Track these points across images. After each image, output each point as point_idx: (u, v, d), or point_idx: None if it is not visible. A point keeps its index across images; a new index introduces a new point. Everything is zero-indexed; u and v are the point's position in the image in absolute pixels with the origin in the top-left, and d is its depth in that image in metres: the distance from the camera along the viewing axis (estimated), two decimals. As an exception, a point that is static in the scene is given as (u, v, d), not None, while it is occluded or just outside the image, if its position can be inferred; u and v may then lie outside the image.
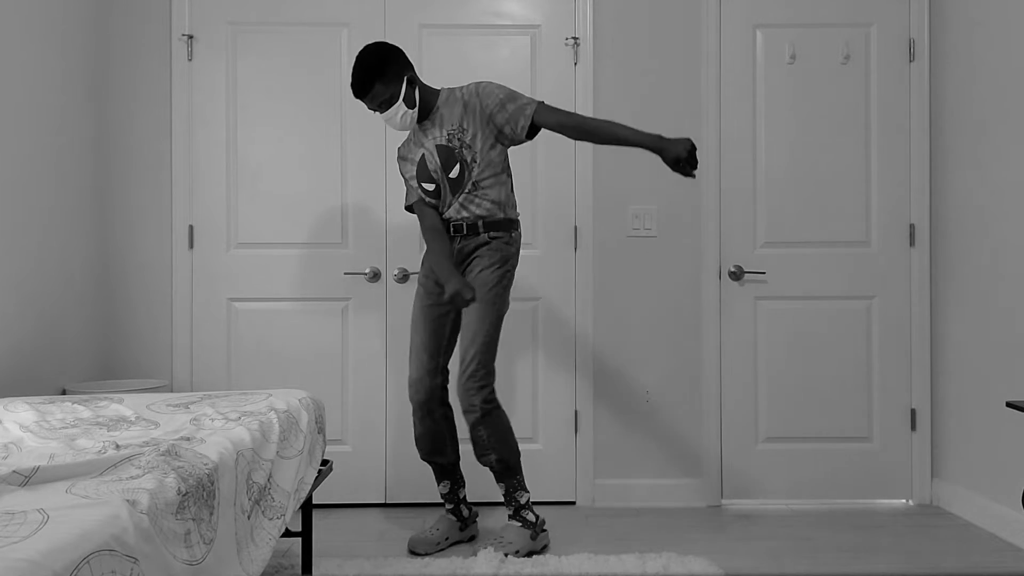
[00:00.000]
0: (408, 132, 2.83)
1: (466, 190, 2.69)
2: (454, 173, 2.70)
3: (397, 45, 2.73)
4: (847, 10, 3.36)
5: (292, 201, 3.32)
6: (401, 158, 2.83)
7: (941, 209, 3.30)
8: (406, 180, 2.82)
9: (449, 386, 2.82)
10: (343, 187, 3.33)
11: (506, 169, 2.74)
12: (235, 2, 3.32)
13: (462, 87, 2.73)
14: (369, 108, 2.68)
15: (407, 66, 2.67)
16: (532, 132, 2.68)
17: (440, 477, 2.84)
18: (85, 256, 3.17)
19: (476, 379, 2.64)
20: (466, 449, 3.22)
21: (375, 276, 3.31)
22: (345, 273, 3.32)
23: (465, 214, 2.70)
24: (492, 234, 2.70)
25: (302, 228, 3.33)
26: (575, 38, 3.34)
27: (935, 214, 3.34)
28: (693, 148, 2.46)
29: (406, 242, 3.32)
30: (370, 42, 2.71)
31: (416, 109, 2.68)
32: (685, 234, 3.35)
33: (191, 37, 3.31)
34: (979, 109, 3.05)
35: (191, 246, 3.32)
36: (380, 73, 2.60)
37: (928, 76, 3.34)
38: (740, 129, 3.36)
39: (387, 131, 3.31)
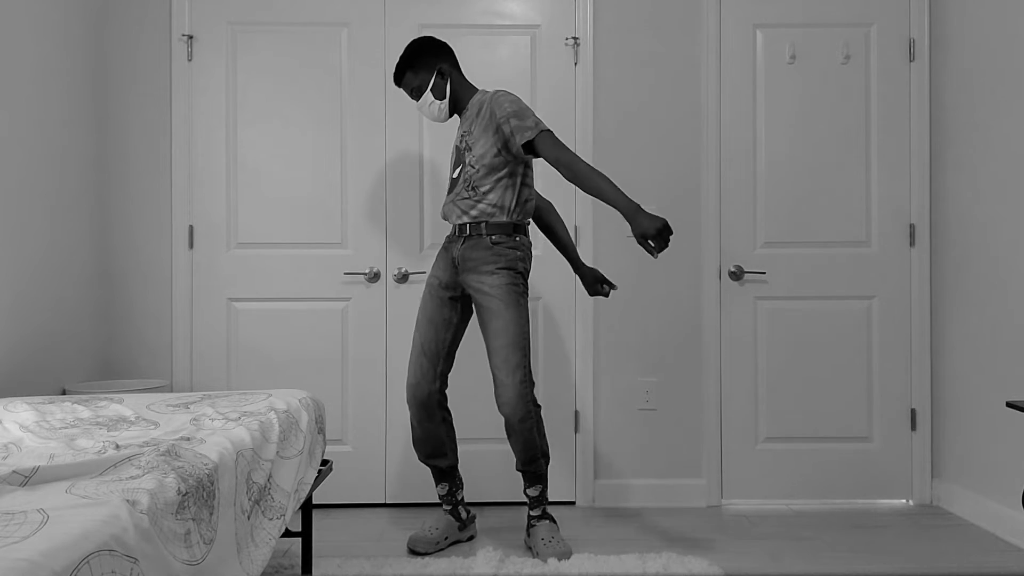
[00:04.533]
0: (446, 122, 2.94)
1: (458, 191, 2.70)
2: (456, 173, 2.73)
3: (443, 40, 2.82)
4: (847, 10, 3.36)
5: (292, 201, 3.33)
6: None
7: (941, 209, 3.30)
8: None
9: (441, 392, 2.81)
10: (343, 187, 3.33)
11: (514, 174, 2.68)
12: (235, 2, 3.32)
13: (487, 92, 2.76)
14: (409, 97, 2.81)
15: (442, 58, 2.76)
16: (532, 151, 2.62)
17: (439, 479, 2.84)
18: (85, 256, 3.17)
19: (526, 385, 2.63)
20: (466, 450, 3.23)
21: (375, 276, 3.31)
22: (345, 273, 3.32)
23: (464, 218, 2.69)
24: (494, 238, 2.66)
25: (302, 228, 3.33)
26: (575, 38, 3.34)
27: (935, 214, 3.34)
28: (665, 229, 2.35)
29: (406, 242, 3.32)
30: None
31: (446, 101, 2.75)
32: (685, 234, 3.35)
33: (191, 37, 3.31)
34: (979, 109, 3.05)
35: (191, 246, 3.32)
36: (411, 62, 2.75)
37: (928, 76, 3.34)
38: (740, 129, 3.36)
39: (387, 131, 3.31)
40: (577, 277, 2.92)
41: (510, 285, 2.64)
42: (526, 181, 2.72)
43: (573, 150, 3.05)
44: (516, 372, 2.61)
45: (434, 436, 2.78)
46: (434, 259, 2.88)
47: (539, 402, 2.81)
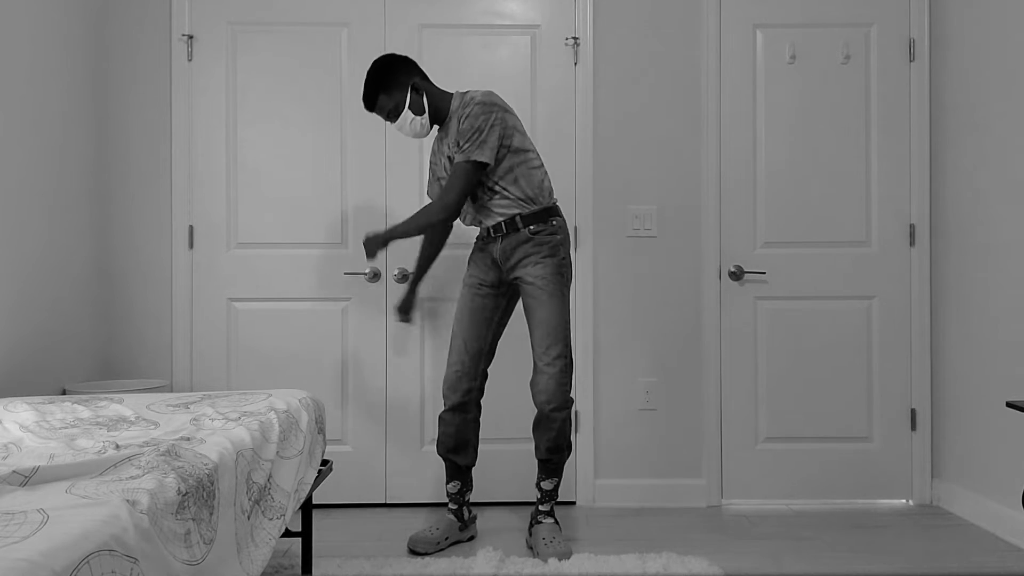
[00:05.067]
0: (428, 135, 2.82)
1: (481, 201, 2.71)
2: None
3: (404, 54, 2.76)
4: (847, 10, 3.36)
5: (292, 201, 3.32)
6: (432, 152, 2.88)
7: (941, 209, 3.30)
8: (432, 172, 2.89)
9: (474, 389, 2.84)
10: (343, 187, 3.33)
11: (522, 163, 2.68)
12: (235, 2, 3.32)
13: (466, 98, 2.68)
14: (385, 120, 2.74)
15: (412, 73, 2.70)
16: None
17: (452, 476, 2.85)
18: (85, 256, 3.17)
19: (566, 375, 2.68)
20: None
21: (375, 276, 3.31)
22: (345, 273, 3.32)
23: (496, 219, 2.70)
24: (532, 228, 2.68)
25: (302, 228, 3.33)
26: (575, 38, 3.34)
27: (935, 214, 3.34)
28: (368, 243, 2.67)
29: (406, 242, 3.31)
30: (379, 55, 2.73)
31: (426, 115, 2.70)
32: (685, 234, 3.35)
33: (191, 37, 3.31)
34: (979, 109, 3.05)
35: (191, 246, 3.32)
36: (382, 84, 2.66)
37: (928, 76, 3.34)
38: (740, 129, 3.36)
39: (387, 131, 3.31)
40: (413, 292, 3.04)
41: (555, 275, 2.68)
42: (532, 164, 2.71)
43: (573, 152, 3.20)
44: (557, 361, 2.66)
45: (462, 432, 2.80)
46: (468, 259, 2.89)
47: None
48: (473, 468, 2.90)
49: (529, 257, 2.68)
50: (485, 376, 2.83)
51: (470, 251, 2.89)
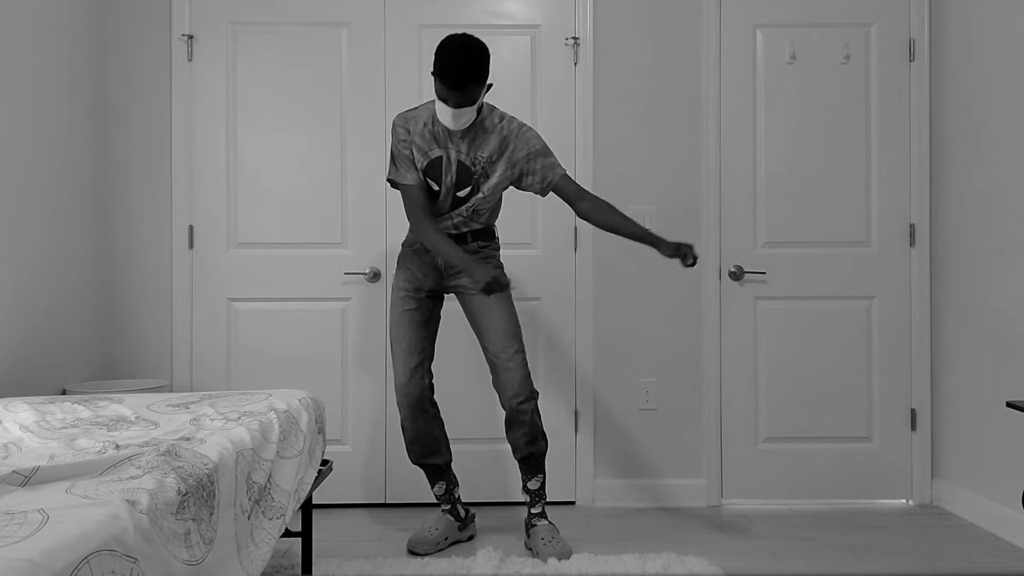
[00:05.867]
0: (422, 109, 2.69)
1: (464, 212, 2.73)
2: (463, 193, 2.71)
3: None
4: (847, 10, 3.36)
5: (292, 201, 3.32)
6: (407, 134, 2.67)
7: (941, 209, 3.30)
8: (402, 156, 2.69)
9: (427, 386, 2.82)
10: (343, 187, 3.33)
11: (500, 200, 2.84)
12: (235, 2, 3.32)
13: (504, 117, 2.69)
14: (443, 96, 2.50)
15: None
16: (550, 188, 2.74)
17: (434, 479, 2.85)
18: (85, 256, 3.17)
19: (527, 366, 2.73)
20: (462, 450, 3.22)
21: (375, 276, 3.31)
22: (345, 273, 3.32)
23: (453, 231, 2.76)
24: (480, 243, 2.79)
25: (302, 228, 3.33)
26: (575, 38, 3.34)
27: (935, 214, 3.34)
28: (691, 247, 2.59)
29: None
30: (464, 34, 2.52)
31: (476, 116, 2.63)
32: (685, 234, 3.35)
33: (191, 37, 3.31)
34: (979, 109, 3.05)
35: (191, 246, 3.32)
36: (482, 75, 2.51)
37: (928, 76, 3.34)
38: (740, 129, 3.36)
39: (387, 131, 3.31)
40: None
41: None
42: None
43: (573, 152, 3.28)
44: (517, 356, 2.70)
45: (428, 433, 2.79)
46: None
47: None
48: (451, 463, 2.88)
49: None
50: (431, 374, 2.83)
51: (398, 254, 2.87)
